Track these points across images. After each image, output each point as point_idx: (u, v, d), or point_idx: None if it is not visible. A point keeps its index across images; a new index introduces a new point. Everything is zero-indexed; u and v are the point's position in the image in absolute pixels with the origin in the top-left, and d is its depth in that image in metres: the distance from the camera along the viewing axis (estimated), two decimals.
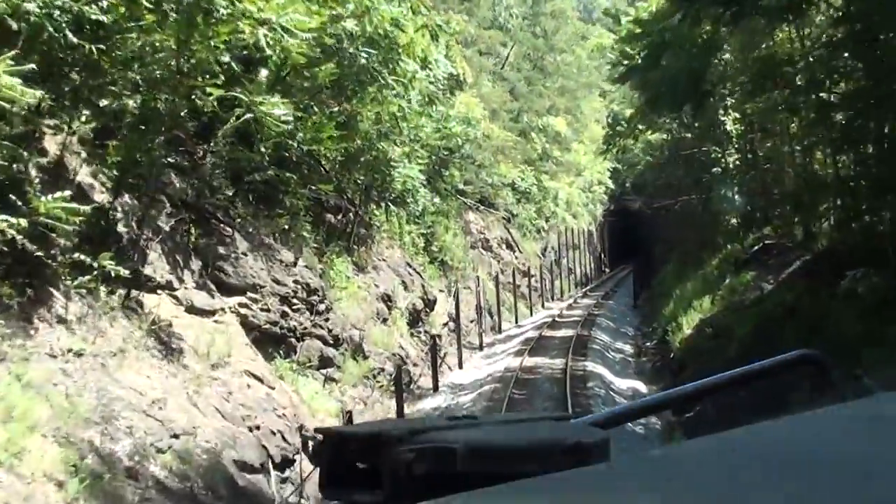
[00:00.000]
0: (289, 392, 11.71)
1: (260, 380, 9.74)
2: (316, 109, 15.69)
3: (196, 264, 11.11)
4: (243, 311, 12.39)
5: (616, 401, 14.21)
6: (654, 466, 1.03)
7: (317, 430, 1.27)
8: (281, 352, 12.73)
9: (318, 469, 1.23)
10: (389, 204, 20.43)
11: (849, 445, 1.02)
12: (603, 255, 69.01)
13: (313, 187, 16.50)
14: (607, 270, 68.34)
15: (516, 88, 39.73)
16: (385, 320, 17.35)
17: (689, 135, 24.11)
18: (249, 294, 12.65)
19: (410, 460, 1.13)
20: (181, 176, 12.81)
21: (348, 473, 1.21)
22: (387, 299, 17.90)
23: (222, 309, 10.88)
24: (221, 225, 12.90)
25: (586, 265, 55.17)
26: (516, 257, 35.48)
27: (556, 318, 28.06)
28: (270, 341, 12.65)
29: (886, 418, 1.16)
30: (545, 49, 41.42)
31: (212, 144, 13.47)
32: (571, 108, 44.74)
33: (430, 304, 20.18)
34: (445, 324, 22.37)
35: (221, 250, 12.54)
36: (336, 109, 16.61)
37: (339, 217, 19.05)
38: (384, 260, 19.37)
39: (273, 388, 9.92)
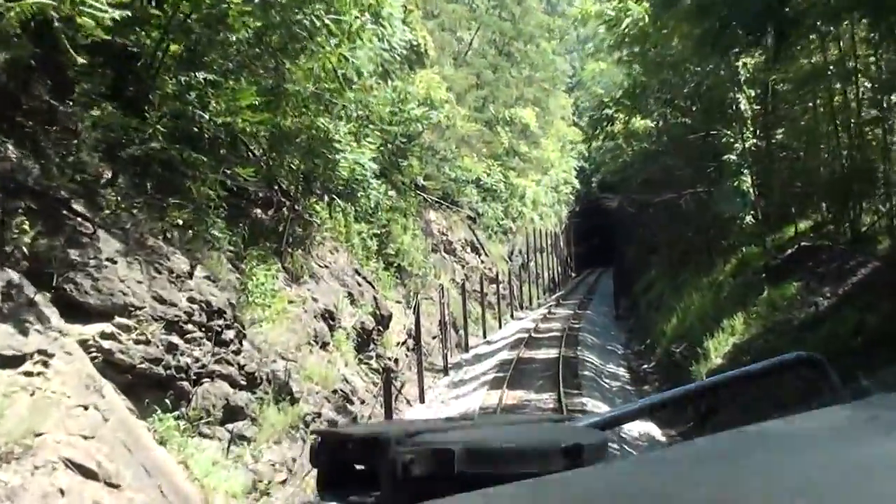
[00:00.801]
0: (169, 467, 7.79)
1: (93, 475, 5.79)
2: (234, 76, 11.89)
3: (16, 278, 7.11)
4: (107, 344, 8.44)
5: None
6: (652, 468, 1.02)
7: (314, 432, 1.33)
8: (166, 402, 8.78)
9: (316, 470, 1.22)
10: (334, 197, 16.56)
11: (846, 447, 1.02)
12: (569, 259, 65.76)
13: (229, 171, 12.53)
14: (573, 275, 65.29)
15: (482, 76, 36.03)
16: (325, 345, 13.46)
17: (686, 120, 20.52)
18: (118, 319, 8.71)
19: (408, 461, 1.11)
20: (19, 147, 8.82)
21: (346, 474, 1.21)
22: (328, 317, 14.01)
23: (54, 349, 6.89)
24: (79, 218, 8.89)
25: (553, 269, 51.65)
26: (482, 261, 31.78)
27: (533, 334, 24.34)
28: (148, 387, 8.71)
29: (884, 420, 1.15)
30: (512, 34, 37.78)
31: (70, 103, 9.51)
32: (540, 100, 41.15)
33: (383, 320, 16.32)
34: (403, 342, 18.55)
35: (75, 255, 8.56)
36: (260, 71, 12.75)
37: (271, 213, 15.12)
38: (326, 266, 15.45)
39: (117, 487, 5.96)
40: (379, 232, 20.25)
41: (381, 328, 16.23)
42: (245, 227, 13.25)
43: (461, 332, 24.14)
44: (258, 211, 14.87)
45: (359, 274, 16.32)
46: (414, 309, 17.91)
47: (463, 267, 29.73)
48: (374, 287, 16.60)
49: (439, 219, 29.21)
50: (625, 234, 45.28)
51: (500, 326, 28.38)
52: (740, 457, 1.01)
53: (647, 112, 22.72)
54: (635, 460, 1.24)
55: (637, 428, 12.09)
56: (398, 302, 20.50)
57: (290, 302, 13.36)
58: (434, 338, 21.60)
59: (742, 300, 13.93)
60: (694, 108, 19.67)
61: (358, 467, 1.22)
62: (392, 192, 21.05)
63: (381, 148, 20.08)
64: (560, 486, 0.94)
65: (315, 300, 14.06)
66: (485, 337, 25.53)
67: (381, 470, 1.15)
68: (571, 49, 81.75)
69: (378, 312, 16.10)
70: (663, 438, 12.10)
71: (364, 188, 17.40)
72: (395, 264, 20.96)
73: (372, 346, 15.36)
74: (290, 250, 14.39)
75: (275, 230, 14.53)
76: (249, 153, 13.54)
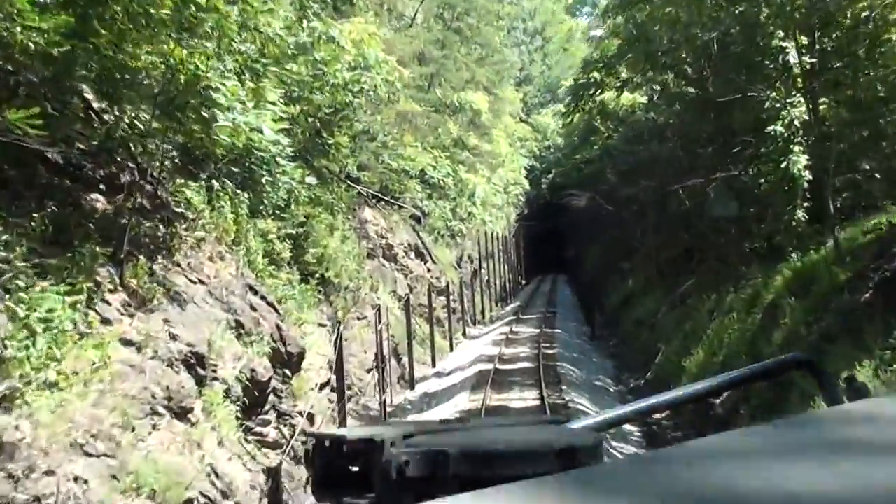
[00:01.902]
0: None
1: None
2: None
3: None
4: None
5: None
6: (647, 469, 1.01)
7: (309, 434, 1.16)
8: None
9: (311, 471, 1.22)
10: (218, 179, 11.33)
11: (842, 448, 1.02)
12: (519, 265, 61.12)
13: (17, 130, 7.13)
14: (524, 282, 60.75)
15: (427, 54, 30.92)
16: (184, 413, 8.17)
17: (691, 90, 15.70)
18: None
19: (403, 463, 1.11)
20: None
21: (341, 476, 1.21)
22: (195, 364, 8.73)
23: None
24: None
25: (504, 276, 46.78)
26: (429, 269, 26.66)
27: (498, 365, 19.22)
28: None
29: (879, 421, 1.16)
30: (463, 6, 32.77)
31: None
32: (494, 83, 36.23)
33: (291, 360, 11.06)
34: (326, 383, 13.38)
35: None
36: None
37: (119, 198, 9.76)
38: (202, 282, 10.13)
39: None
40: (295, 232, 15.00)
41: (287, 372, 10.96)
42: (47, 220, 7.89)
43: (405, 359, 18.99)
44: (96, 197, 9.52)
45: (255, 292, 11.02)
46: (335, 343, 12.71)
47: (406, 276, 24.57)
48: (277, 311, 11.31)
49: (377, 218, 24.02)
50: (583, 237, 40.57)
51: (452, 349, 23.29)
52: (736, 458, 1.00)
53: (639, 82, 17.87)
54: (629, 462, 1.07)
55: None
56: (322, 325, 15.27)
57: (128, 343, 8.07)
58: (369, 371, 16.44)
59: (853, 333, 9.04)
60: (711, 70, 14.86)
61: (353, 469, 1.20)
62: (313, 180, 15.79)
63: (300, 120, 14.87)
64: (554, 487, 0.94)
65: (174, 337, 8.74)
66: (434, 366, 20.40)
67: (376, 472, 1.14)
68: (519, 42, 77.66)
69: (283, 349, 10.84)
70: None
71: (269, 169, 12.24)
72: (318, 275, 15.71)
73: (269, 404, 10.07)
74: (137, 258, 9.05)
75: (113, 224, 9.18)
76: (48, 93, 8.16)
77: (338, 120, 17.07)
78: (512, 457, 1.11)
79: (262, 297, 11.17)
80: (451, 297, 28.04)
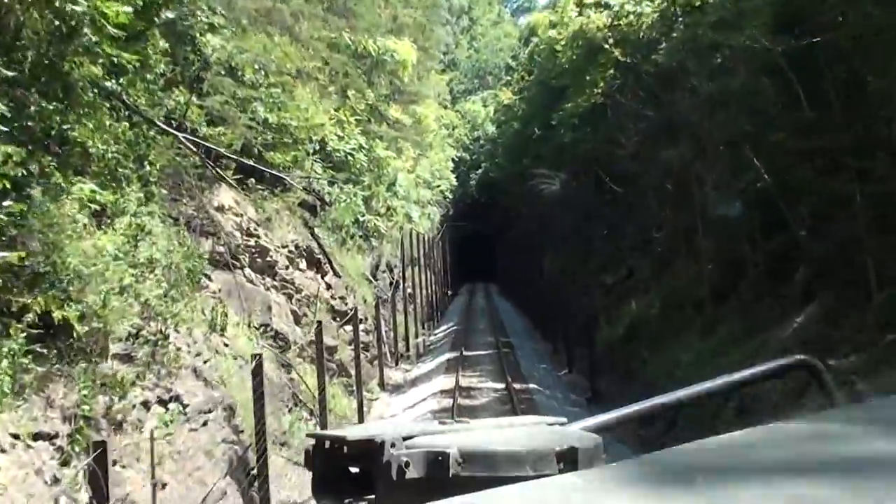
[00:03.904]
0: None
1: None
2: None
3: None
4: None
5: None
6: (647, 471, 1.00)
7: (309, 435, 1.28)
8: None
9: (311, 473, 1.22)
10: None
11: (843, 449, 1.02)
12: (445, 273, 52.43)
13: None
14: (450, 292, 52.25)
15: None
16: None
17: None
18: None
19: (403, 464, 1.12)
20: None
21: (341, 477, 1.22)
22: None
23: None
24: None
25: (431, 288, 37.78)
26: (328, 286, 17.64)
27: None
28: None
29: (880, 422, 1.15)
30: None
31: None
32: (423, 31, 27.36)
33: None
34: None
35: None
36: None
37: None
38: None
39: None
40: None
41: None
42: None
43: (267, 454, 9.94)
44: None
45: None
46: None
47: (291, 298, 15.50)
48: None
49: (243, 205, 14.91)
50: (532, 238, 32.03)
51: (362, 417, 14.34)
52: (736, 460, 1.00)
53: None
54: (630, 464, 1.01)
55: None
56: (42, 438, 6.17)
57: None
58: None
59: None
60: None
61: (353, 470, 1.20)
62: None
63: None
64: (554, 489, 0.93)
65: None
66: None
67: (377, 473, 1.14)
68: (444, 21, 69.15)
69: None
70: None
71: None
72: (39, 321, 6.57)
73: None
74: None
75: None
76: None
77: None
78: (512, 458, 1.10)
79: None
80: (363, 325, 19.06)
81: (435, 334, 28.55)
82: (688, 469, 0.96)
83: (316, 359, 11.69)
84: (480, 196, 61.21)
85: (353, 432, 1.31)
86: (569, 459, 1.10)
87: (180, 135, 11.17)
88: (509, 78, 48.93)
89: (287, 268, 15.71)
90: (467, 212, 60.78)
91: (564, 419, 1.40)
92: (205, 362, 9.56)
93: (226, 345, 10.93)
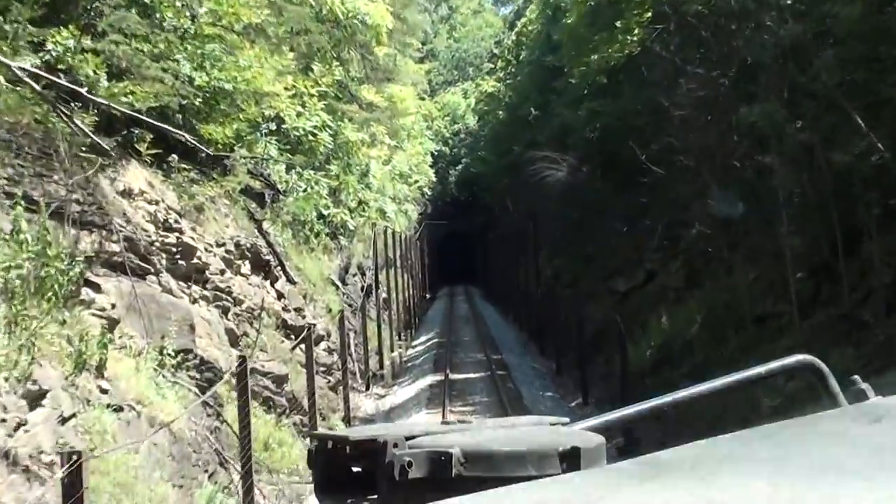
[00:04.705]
0: None
1: None
2: None
3: None
4: None
5: None
6: (650, 470, 0.98)
7: (312, 435, 1.23)
8: None
9: (314, 473, 1.23)
10: None
11: (845, 450, 1.01)
12: (423, 276, 48.85)
13: None
14: (428, 295, 48.84)
15: None
16: None
17: None
18: None
19: (406, 464, 1.11)
20: None
21: (344, 477, 1.23)
22: None
23: None
24: None
25: (408, 292, 34.05)
26: (280, 295, 13.99)
27: None
28: None
29: (882, 423, 1.15)
30: None
31: None
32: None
33: None
34: None
35: None
36: None
37: None
38: None
39: None
40: None
41: None
42: None
43: None
44: None
45: None
46: None
47: (227, 312, 11.85)
48: None
49: (161, 189, 11.24)
50: (522, 236, 28.49)
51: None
52: (740, 460, 0.99)
53: None
54: (633, 463, 1.00)
55: None
56: None
57: None
58: None
59: None
60: None
61: (355, 470, 1.20)
62: None
63: None
64: (557, 489, 0.93)
65: None
66: None
67: (379, 473, 1.14)
68: (422, 9, 65.55)
69: None
70: None
71: None
72: None
73: None
74: None
75: None
76: None
77: None
78: (515, 458, 1.10)
79: None
80: (325, 343, 15.47)
81: (413, 347, 24.91)
82: (689, 469, 0.95)
83: (237, 400, 8.07)
84: (460, 194, 58.07)
85: (356, 432, 1.32)
86: (571, 459, 1.07)
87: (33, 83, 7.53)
88: (492, 65, 45.43)
89: (222, 272, 12.05)
90: (446, 210, 57.44)
91: (567, 419, 1.33)
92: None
93: (104, 390, 7.29)
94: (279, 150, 15.87)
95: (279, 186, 14.73)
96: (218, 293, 11.69)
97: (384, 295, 27.52)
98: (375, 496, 1.17)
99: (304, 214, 17.72)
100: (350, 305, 21.42)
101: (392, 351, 23.11)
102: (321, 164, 19.21)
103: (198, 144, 11.68)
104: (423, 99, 49.88)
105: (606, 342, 16.43)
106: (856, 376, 1.52)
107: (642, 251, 16.85)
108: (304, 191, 15.84)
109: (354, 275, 24.23)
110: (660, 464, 1.01)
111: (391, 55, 24.49)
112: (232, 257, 12.48)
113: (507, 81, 37.48)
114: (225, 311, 11.81)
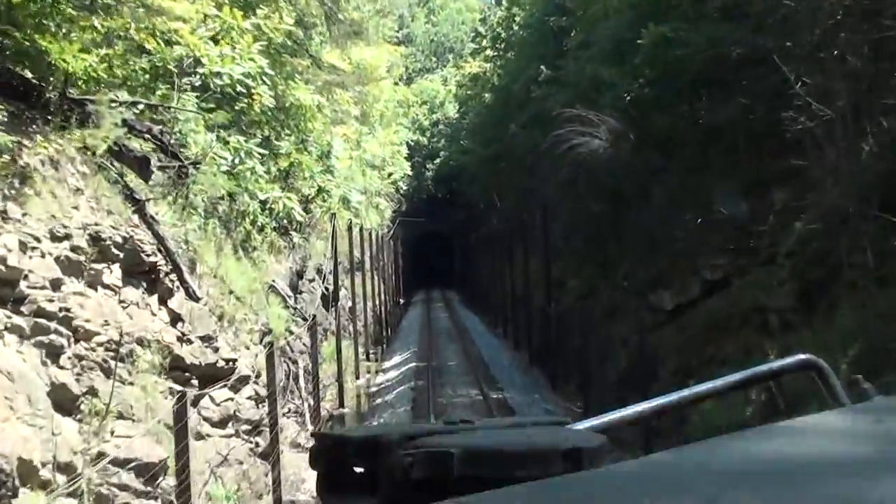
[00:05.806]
0: None
1: None
2: None
3: None
4: None
5: None
6: (652, 472, 0.99)
7: (313, 434, 1.26)
8: None
9: (316, 473, 1.20)
10: None
11: (848, 450, 1.01)
12: (397, 280, 43.98)
13: None
14: (402, 301, 44.01)
15: None
16: None
17: None
18: None
19: (408, 464, 1.09)
20: None
21: (346, 477, 1.20)
22: None
23: None
24: None
25: (378, 298, 28.95)
26: (179, 317, 8.93)
27: None
28: None
29: (885, 423, 1.14)
30: None
31: None
32: None
33: None
34: None
35: None
36: None
37: None
38: None
39: None
40: None
41: None
42: None
43: None
44: None
45: None
46: None
47: (60, 351, 6.83)
48: None
49: None
50: (519, 241, 23.67)
51: None
52: (743, 461, 0.99)
53: None
54: (636, 464, 1.02)
55: None
56: None
57: None
58: None
59: None
60: None
61: (357, 470, 1.17)
62: None
63: None
64: (559, 489, 0.93)
65: None
66: None
67: (381, 473, 1.12)
68: None
69: None
70: None
71: None
72: None
73: None
74: None
75: None
76: None
77: None
78: (517, 458, 1.06)
79: None
80: (255, 386, 10.57)
81: (384, 371, 19.97)
82: (692, 469, 0.95)
83: None
84: (438, 190, 53.39)
85: (358, 432, 1.29)
86: (574, 459, 1.04)
87: None
88: (476, 45, 40.69)
89: (59, 286, 7.11)
90: (422, 208, 52.63)
91: (569, 419, 1.32)
92: None
93: None
94: (197, 104, 10.98)
95: (179, 153, 9.74)
96: (41, 321, 6.75)
97: (350, 304, 22.63)
98: (378, 496, 1.10)
99: (242, 202, 12.89)
100: (305, 320, 16.52)
101: (357, 378, 18.21)
102: (265, 137, 14.35)
103: (30, 76, 6.84)
104: (397, 84, 45.10)
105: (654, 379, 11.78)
106: (858, 376, 1.45)
107: (694, 255, 12.20)
108: (226, 161, 10.91)
109: (312, 280, 19.34)
110: (660, 464, 1.01)
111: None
112: (81, 259, 7.53)
113: (496, 57, 32.75)
114: (56, 353, 6.87)
